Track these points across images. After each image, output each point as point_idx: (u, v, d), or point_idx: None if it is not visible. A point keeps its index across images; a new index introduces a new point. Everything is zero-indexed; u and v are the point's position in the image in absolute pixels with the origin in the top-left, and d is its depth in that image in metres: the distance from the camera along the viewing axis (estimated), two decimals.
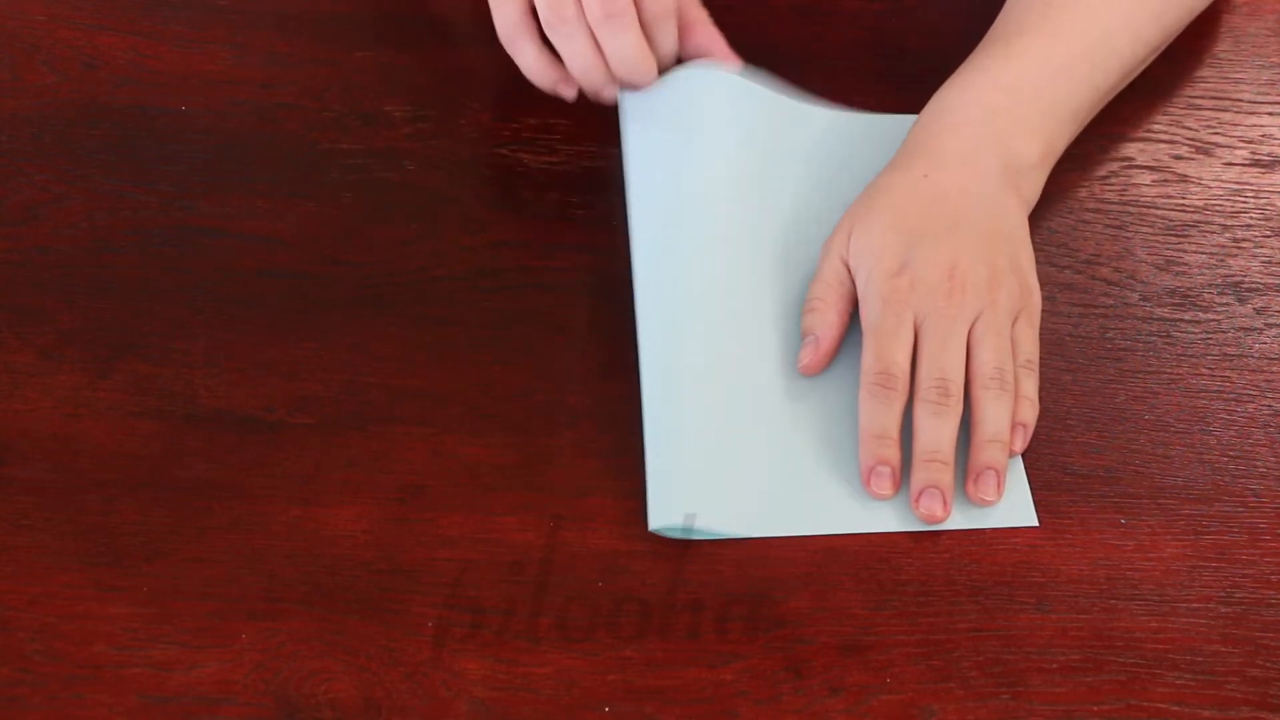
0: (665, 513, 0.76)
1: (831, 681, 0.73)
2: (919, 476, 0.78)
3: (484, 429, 0.80)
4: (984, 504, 0.78)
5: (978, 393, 0.79)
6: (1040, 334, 0.83)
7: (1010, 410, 0.79)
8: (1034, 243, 0.85)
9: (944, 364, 0.79)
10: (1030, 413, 0.80)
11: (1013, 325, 0.81)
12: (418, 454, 0.79)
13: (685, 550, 0.76)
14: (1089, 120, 0.90)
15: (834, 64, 0.96)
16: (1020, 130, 0.85)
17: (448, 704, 0.71)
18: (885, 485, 0.78)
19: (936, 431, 0.78)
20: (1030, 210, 0.86)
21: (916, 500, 0.78)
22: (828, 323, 0.82)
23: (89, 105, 0.90)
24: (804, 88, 0.94)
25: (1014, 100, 0.85)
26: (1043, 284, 0.85)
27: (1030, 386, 0.80)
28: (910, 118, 0.89)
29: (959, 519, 0.78)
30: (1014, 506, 0.79)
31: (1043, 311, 0.84)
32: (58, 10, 0.94)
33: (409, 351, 0.82)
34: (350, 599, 0.74)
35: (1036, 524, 0.78)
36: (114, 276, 0.84)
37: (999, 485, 0.78)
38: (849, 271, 0.82)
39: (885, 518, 0.78)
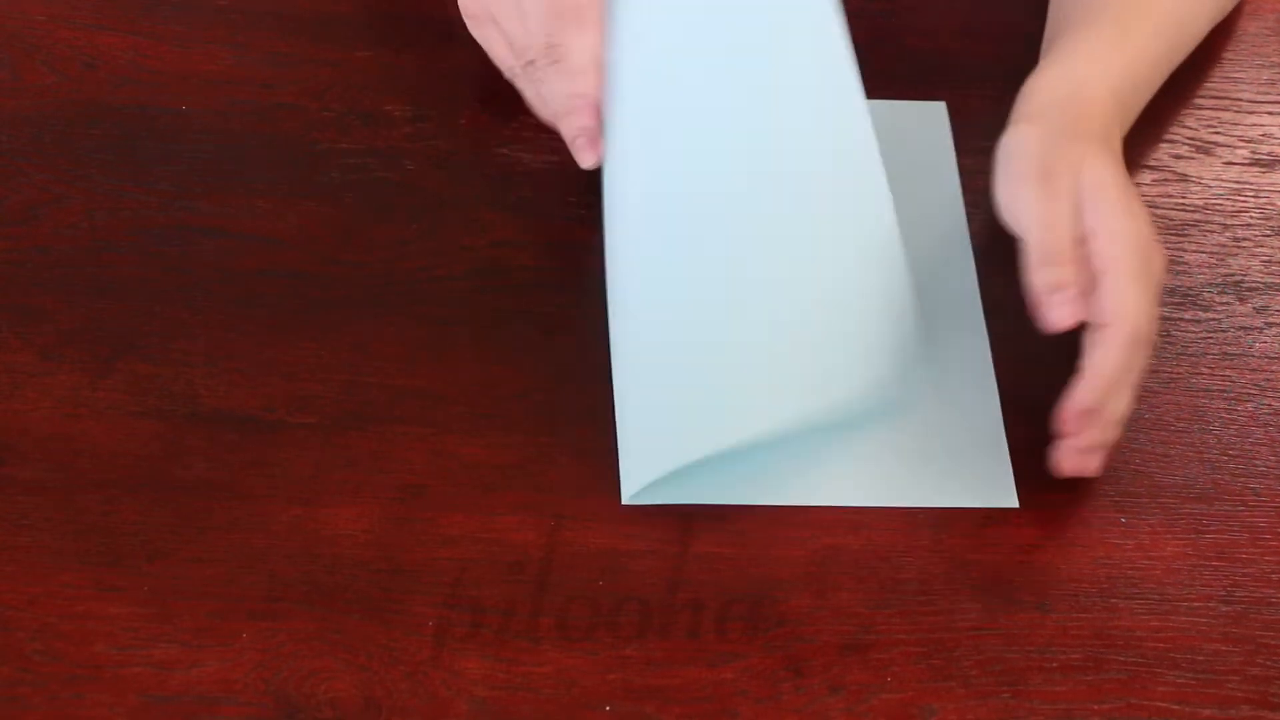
0: (637, 479, 0.77)
1: (832, 680, 0.73)
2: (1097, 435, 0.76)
3: (484, 429, 0.79)
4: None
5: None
6: (979, 299, 0.84)
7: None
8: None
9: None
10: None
11: None
12: (418, 454, 0.79)
13: (685, 550, 0.76)
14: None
15: None
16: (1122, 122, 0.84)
17: (448, 703, 0.71)
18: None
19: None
20: None
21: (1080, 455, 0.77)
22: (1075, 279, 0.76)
23: (89, 105, 0.90)
24: None
25: (1120, 95, 0.84)
26: None
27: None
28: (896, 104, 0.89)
29: (935, 496, 0.78)
30: (994, 485, 0.79)
31: (976, 278, 0.85)
32: (58, 10, 0.94)
33: (409, 351, 0.82)
34: (350, 599, 0.74)
35: (1016, 505, 0.78)
36: (114, 276, 0.84)
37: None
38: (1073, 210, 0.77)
39: (825, 493, 0.78)
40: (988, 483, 0.79)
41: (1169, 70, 0.89)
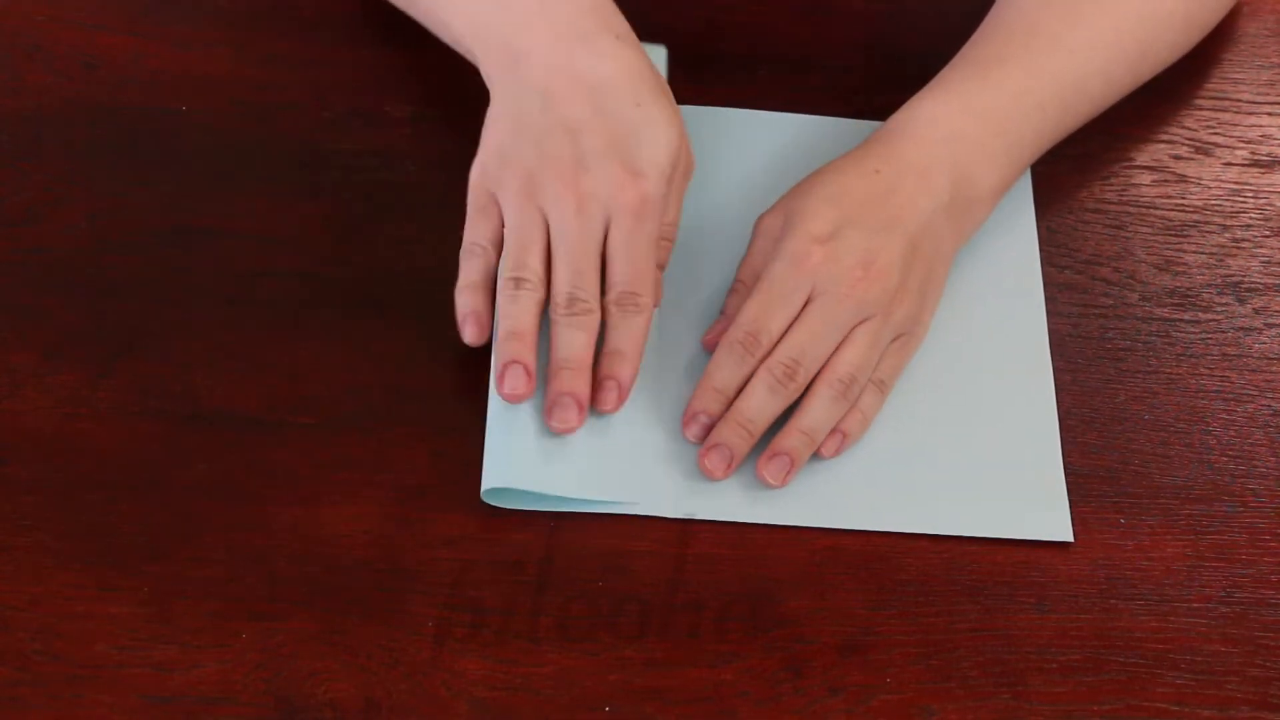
0: (497, 476, 0.77)
1: (831, 681, 0.73)
2: (723, 432, 0.78)
3: (484, 429, 0.79)
4: (765, 484, 0.78)
5: (819, 386, 0.78)
6: (1046, 334, 0.83)
7: (838, 416, 0.79)
8: (1038, 241, 0.85)
9: (808, 350, 0.78)
10: (857, 427, 0.79)
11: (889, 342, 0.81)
12: (418, 454, 0.79)
13: (685, 550, 0.76)
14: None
15: (834, 64, 0.96)
16: (981, 160, 0.84)
17: (448, 704, 0.71)
18: (699, 434, 0.79)
19: (762, 404, 0.78)
20: (962, 245, 0.85)
21: (705, 452, 0.78)
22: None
23: (89, 105, 0.90)
24: (804, 88, 0.94)
25: (982, 130, 0.84)
26: (1044, 284, 0.86)
27: (870, 404, 0.80)
28: (857, 123, 0.90)
29: (988, 526, 0.78)
30: (1049, 518, 0.78)
31: (1046, 312, 0.84)
32: (58, 10, 0.94)
33: (409, 351, 0.82)
34: (350, 599, 0.74)
35: (1071, 539, 0.78)
36: (114, 276, 0.84)
37: (788, 474, 0.78)
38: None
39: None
40: (1043, 515, 0.78)
41: (1064, 102, 0.87)
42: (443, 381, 0.81)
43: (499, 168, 0.80)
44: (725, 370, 0.79)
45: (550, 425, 0.77)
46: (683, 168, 0.82)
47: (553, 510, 0.77)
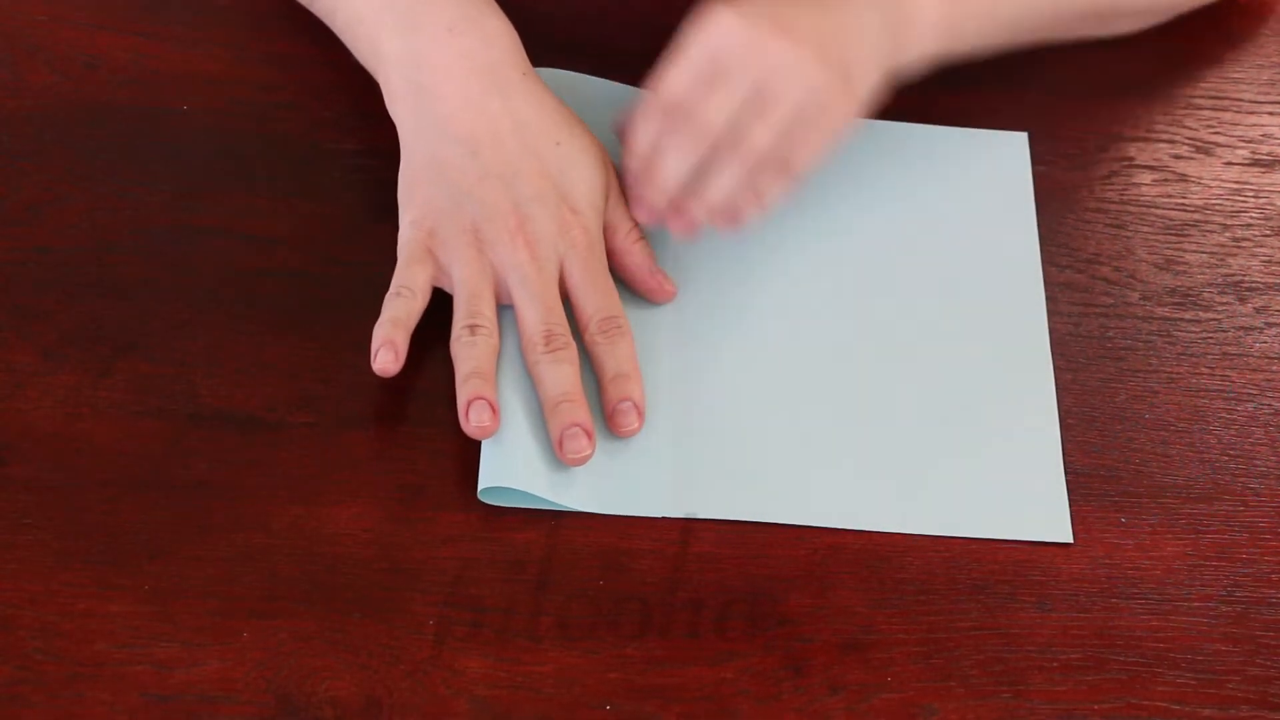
0: (494, 475, 0.76)
1: (832, 680, 0.73)
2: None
3: None
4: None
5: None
6: (1046, 334, 0.83)
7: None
8: (1038, 241, 0.86)
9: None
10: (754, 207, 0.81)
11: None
12: (418, 453, 0.79)
13: (685, 550, 0.76)
14: (1009, 40, 0.89)
15: None
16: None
17: (448, 702, 0.71)
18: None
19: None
20: (890, 66, 0.83)
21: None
22: None
23: (89, 105, 0.90)
24: None
25: None
26: (1044, 283, 0.86)
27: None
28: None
29: (988, 527, 0.78)
30: (1049, 518, 0.78)
31: (1046, 312, 0.84)
32: (58, 10, 0.94)
33: (409, 351, 0.82)
34: (351, 598, 0.74)
35: (1070, 540, 0.78)
36: (114, 276, 0.84)
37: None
38: None
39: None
40: (1042, 516, 0.78)
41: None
42: (443, 381, 0.81)
43: (436, 224, 0.81)
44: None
45: (565, 459, 0.77)
46: (614, 187, 0.84)
47: (552, 509, 0.77)
